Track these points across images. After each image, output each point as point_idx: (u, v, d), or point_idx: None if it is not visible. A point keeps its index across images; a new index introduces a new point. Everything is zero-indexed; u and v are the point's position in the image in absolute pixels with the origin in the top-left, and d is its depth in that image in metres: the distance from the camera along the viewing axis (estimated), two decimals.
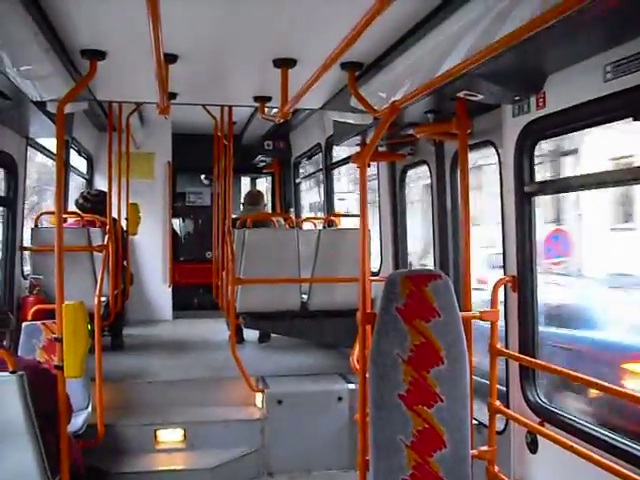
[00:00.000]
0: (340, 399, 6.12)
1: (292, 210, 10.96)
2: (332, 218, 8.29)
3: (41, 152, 6.93)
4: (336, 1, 3.38)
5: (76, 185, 9.45)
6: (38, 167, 11.26)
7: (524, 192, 4.22)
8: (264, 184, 12.90)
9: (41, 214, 7.32)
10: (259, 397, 6.19)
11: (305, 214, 11.71)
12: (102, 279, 5.99)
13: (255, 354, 7.73)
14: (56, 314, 3.95)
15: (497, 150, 4.71)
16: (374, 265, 7.22)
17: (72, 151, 8.28)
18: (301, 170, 10.79)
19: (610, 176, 3.85)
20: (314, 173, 10.28)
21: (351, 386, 6.10)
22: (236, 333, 6.98)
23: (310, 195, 13.50)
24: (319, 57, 3.96)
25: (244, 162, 10.43)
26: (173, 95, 5.32)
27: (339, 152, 8.90)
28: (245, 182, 12.93)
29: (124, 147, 7.74)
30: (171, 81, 4.60)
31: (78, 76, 4.51)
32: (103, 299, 6.18)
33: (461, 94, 4.05)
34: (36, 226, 6.81)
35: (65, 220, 6.99)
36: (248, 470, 5.84)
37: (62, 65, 4.22)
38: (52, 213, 6.38)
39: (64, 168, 7.70)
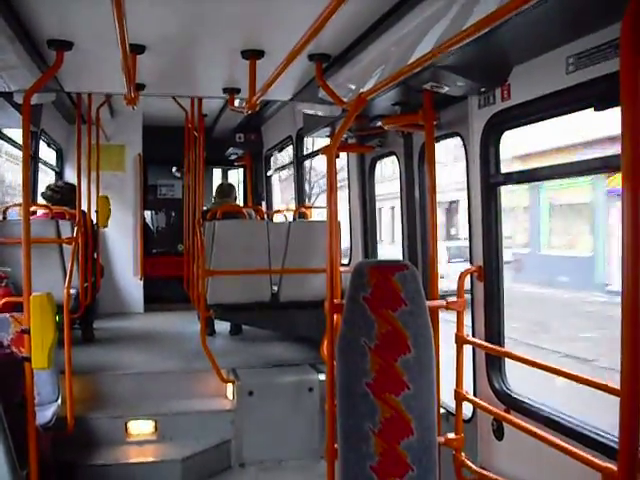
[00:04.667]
0: (311, 389, 6.16)
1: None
2: (303, 210, 8.30)
3: (9, 143, 6.86)
4: None
5: (48, 178, 9.38)
6: None
7: (490, 183, 4.28)
8: (236, 176, 12.88)
9: (9, 206, 7.26)
10: (230, 388, 6.20)
11: None
12: (71, 271, 5.96)
13: (226, 346, 7.74)
14: (24, 306, 3.94)
15: (464, 141, 4.76)
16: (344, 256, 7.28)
17: (42, 143, 8.22)
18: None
19: (574, 166, 3.92)
20: (285, 166, 10.29)
21: (322, 376, 6.13)
22: (207, 325, 6.99)
23: None
24: (286, 48, 3.98)
25: (216, 154, 10.40)
26: (141, 86, 5.31)
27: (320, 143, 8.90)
28: (217, 174, 12.92)
29: (94, 139, 7.70)
30: (139, 72, 4.59)
31: (45, 67, 4.48)
32: (73, 291, 6.15)
33: (427, 86, 4.07)
34: (4, 218, 6.76)
35: (34, 212, 6.95)
36: (219, 461, 5.86)
37: (28, 55, 4.19)
38: (20, 205, 6.33)
39: (33, 160, 7.64)
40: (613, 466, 2.81)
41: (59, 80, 5.16)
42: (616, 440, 2.96)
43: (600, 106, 3.26)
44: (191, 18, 3.88)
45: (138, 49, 4.33)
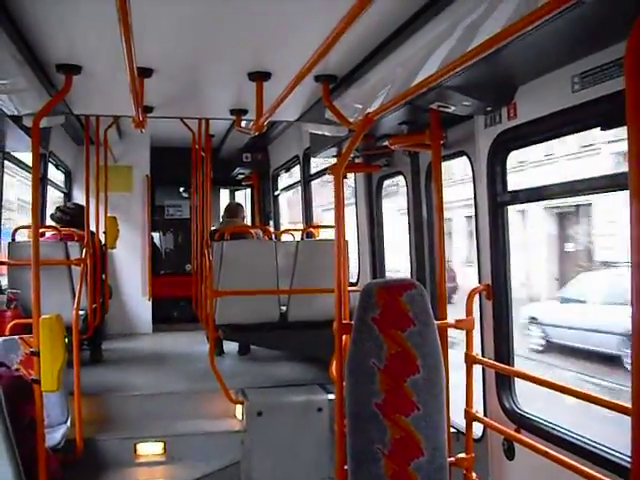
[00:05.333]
0: (320, 410, 6.12)
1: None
2: (311, 229, 8.31)
3: (18, 166, 6.90)
4: (309, 15, 3.43)
5: (51, 199, 9.42)
6: None
7: (497, 201, 4.28)
8: (243, 196, 12.92)
9: (18, 228, 7.29)
10: (239, 409, 6.17)
11: None
12: (80, 293, 5.97)
13: (235, 366, 7.71)
14: (33, 328, 3.94)
15: (470, 160, 4.77)
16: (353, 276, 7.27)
17: (50, 165, 8.27)
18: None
19: (580, 185, 3.91)
20: (292, 185, 10.31)
21: (331, 396, 6.08)
22: (216, 345, 6.97)
23: None
24: (293, 70, 4.01)
25: (223, 174, 10.44)
26: (149, 109, 5.35)
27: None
28: (224, 194, 12.96)
29: (102, 160, 7.74)
30: (147, 95, 4.62)
31: (54, 90, 4.52)
32: (81, 313, 6.15)
33: (434, 106, 4.09)
34: (13, 240, 6.79)
35: (43, 234, 6.98)
36: None
37: (37, 80, 4.23)
38: (29, 227, 6.35)
39: (42, 182, 7.68)
40: None
41: (68, 103, 5.20)
42: (628, 459, 2.95)
43: (606, 125, 3.26)
44: (198, 41, 3.92)
45: (146, 72, 4.37)
